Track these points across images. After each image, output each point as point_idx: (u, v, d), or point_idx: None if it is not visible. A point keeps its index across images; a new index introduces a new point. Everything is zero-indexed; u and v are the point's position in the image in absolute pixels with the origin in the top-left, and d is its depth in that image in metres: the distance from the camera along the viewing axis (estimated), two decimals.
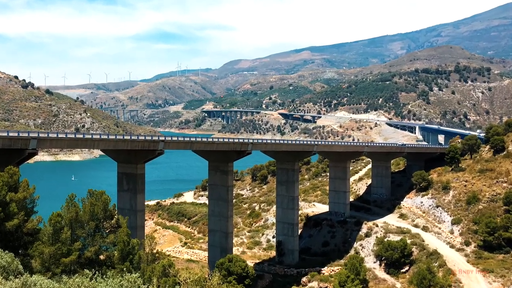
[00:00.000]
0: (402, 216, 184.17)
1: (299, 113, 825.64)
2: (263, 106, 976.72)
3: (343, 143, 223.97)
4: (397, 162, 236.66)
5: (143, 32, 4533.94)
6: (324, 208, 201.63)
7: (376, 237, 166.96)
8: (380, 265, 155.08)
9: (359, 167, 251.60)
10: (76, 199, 72.78)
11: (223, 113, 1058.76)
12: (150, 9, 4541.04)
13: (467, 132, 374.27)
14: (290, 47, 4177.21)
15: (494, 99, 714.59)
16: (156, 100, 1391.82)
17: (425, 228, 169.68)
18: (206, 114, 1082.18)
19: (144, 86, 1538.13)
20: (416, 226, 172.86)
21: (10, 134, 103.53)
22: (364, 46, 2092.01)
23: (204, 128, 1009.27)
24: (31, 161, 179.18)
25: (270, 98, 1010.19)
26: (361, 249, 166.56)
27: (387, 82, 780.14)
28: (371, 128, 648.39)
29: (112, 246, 73.83)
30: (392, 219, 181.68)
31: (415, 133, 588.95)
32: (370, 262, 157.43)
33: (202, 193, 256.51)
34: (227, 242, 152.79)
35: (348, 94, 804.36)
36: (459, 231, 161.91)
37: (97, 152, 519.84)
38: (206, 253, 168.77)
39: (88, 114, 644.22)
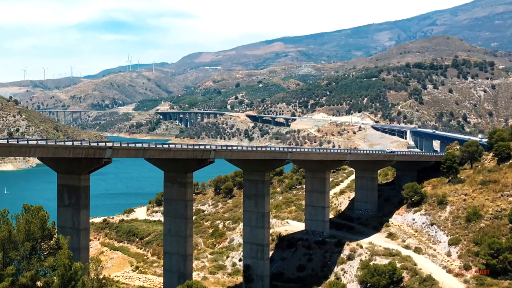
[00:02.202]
0: (391, 235, 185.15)
1: (270, 115, 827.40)
2: (228, 107, 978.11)
3: (321, 150, 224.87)
4: (385, 172, 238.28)
5: (89, 20, 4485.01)
6: (300, 226, 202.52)
7: (360, 260, 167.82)
8: None
9: (340, 179, 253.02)
10: (9, 216, 72.69)
11: (181, 115, 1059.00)
12: None
13: (467, 137, 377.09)
14: (259, 38, 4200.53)
15: (498, 99, 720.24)
16: (102, 99, 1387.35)
17: (417, 250, 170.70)
18: (161, 116, 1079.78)
19: (89, 84, 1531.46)
20: (407, 247, 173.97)
21: None
22: (346, 37, 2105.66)
23: (159, 132, 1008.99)
24: None
25: (236, 98, 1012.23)
26: (343, 274, 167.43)
27: (373, 79, 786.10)
28: (354, 133, 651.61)
29: (51, 271, 73.82)
30: (379, 239, 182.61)
31: (406, 138, 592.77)
32: None
33: (156, 208, 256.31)
34: (186, 266, 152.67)
35: (328, 93, 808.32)
36: (457, 253, 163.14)
37: (34, 161, 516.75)
38: (161, 279, 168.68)
39: (23, 116, 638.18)
